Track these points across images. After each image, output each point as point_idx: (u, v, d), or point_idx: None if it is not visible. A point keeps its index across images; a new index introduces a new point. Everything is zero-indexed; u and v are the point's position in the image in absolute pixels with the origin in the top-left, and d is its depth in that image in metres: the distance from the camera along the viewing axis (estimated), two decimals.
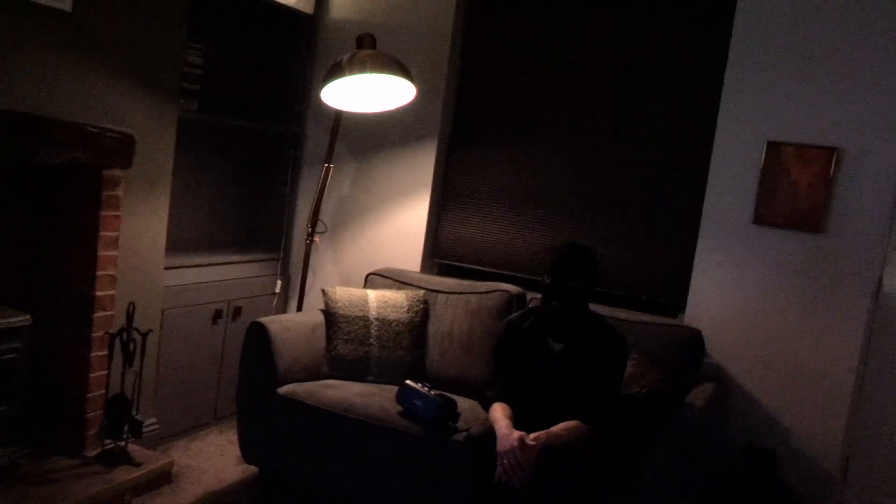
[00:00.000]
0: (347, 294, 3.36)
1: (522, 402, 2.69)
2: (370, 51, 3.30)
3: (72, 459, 2.94)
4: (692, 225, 3.37)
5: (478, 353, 3.28)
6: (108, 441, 3.00)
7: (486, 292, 3.42)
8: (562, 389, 2.68)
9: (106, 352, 2.98)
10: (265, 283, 4.04)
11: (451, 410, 2.81)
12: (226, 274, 3.78)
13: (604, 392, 2.66)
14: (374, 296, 3.38)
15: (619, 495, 2.48)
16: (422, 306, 3.41)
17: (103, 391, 3.02)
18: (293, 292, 4.08)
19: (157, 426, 3.39)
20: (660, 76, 3.48)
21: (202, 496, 3.11)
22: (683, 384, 2.91)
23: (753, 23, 3.23)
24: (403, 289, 3.51)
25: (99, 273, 2.95)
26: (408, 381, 2.92)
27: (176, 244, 3.45)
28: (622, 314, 3.17)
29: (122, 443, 3.01)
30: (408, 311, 3.36)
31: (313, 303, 3.71)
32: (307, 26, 4.08)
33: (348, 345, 3.25)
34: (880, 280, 3.07)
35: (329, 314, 3.31)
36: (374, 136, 3.96)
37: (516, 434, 2.47)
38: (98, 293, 2.96)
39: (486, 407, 2.75)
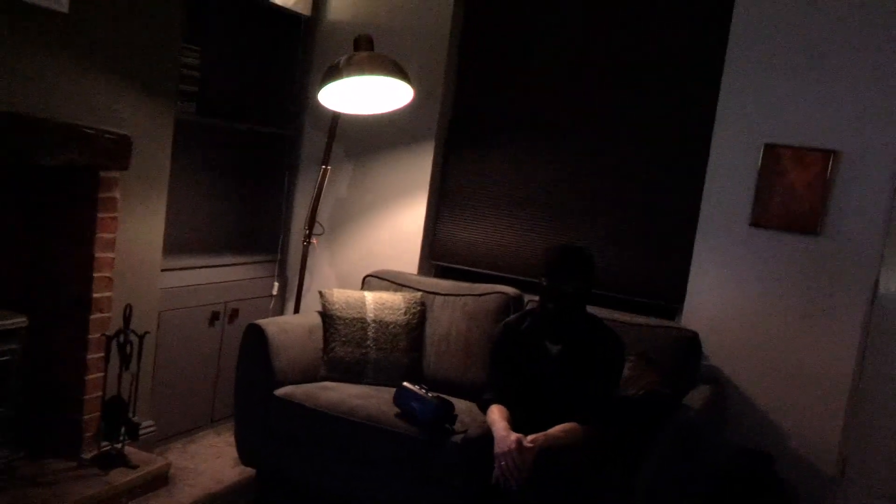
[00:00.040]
0: (345, 296, 3.35)
1: (520, 404, 2.69)
2: (367, 53, 3.30)
3: (68, 461, 2.94)
4: (689, 227, 3.37)
5: (475, 355, 3.28)
6: (104, 443, 3.00)
7: (483, 294, 3.41)
8: (559, 391, 2.68)
9: (103, 354, 2.97)
10: (262, 285, 4.04)
11: (449, 412, 2.81)
12: (223, 276, 3.77)
13: (601, 394, 2.66)
14: (371, 298, 3.38)
15: (618, 497, 2.48)
16: (419, 308, 3.41)
17: (100, 393, 3.01)
18: (290, 294, 4.07)
19: (153, 428, 3.39)
20: (657, 78, 3.48)
21: (199, 498, 3.11)
22: (681, 386, 2.91)
23: (751, 25, 3.23)
24: (401, 291, 3.51)
25: (96, 275, 2.94)
26: (405, 383, 2.91)
27: (173, 246, 3.45)
28: (619, 316, 3.17)
29: (119, 445, 3.01)
30: (405, 314, 3.36)
31: (310, 305, 3.71)
32: (305, 28, 4.08)
33: (345, 347, 3.24)
34: (877, 282, 3.08)
35: (326, 316, 3.31)
36: (372, 138, 3.96)
37: (514, 436, 2.47)
38: (95, 295, 2.95)
39: (484, 409, 2.75)
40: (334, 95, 3.39)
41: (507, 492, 2.45)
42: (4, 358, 2.75)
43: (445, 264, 3.97)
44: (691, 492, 2.55)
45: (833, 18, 3.10)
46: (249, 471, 3.25)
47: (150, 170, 3.17)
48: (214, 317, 3.69)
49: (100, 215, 2.92)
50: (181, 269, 3.53)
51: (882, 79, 3.03)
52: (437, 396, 2.83)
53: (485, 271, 3.82)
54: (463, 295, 3.44)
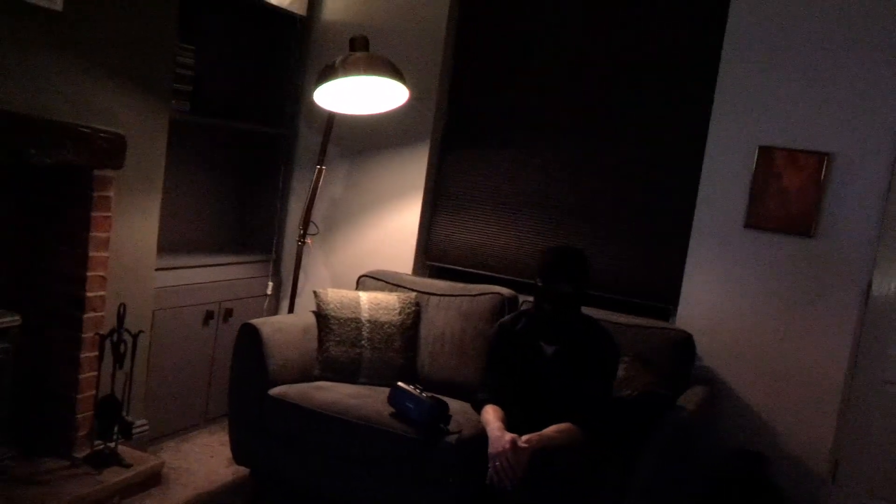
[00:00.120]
0: (339, 296, 3.35)
1: (515, 404, 2.70)
2: (363, 53, 3.30)
3: (62, 461, 2.93)
4: (684, 228, 3.38)
5: (470, 355, 3.28)
6: (98, 442, 3.00)
7: (478, 295, 3.42)
8: (554, 392, 2.68)
9: (96, 353, 2.97)
10: (257, 285, 4.03)
11: (443, 412, 2.81)
12: (217, 275, 3.76)
13: (596, 394, 2.66)
14: (366, 298, 3.38)
15: (613, 497, 2.49)
16: (414, 308, 3.41)
17: (93, 392, 3.00)
18: (285, 294, 4.07)
19: (147, 427, 3.38)
20: (651, 80, 3.49)
21: (193, 497, 3.10)
22: (675, 387, 2.92)
23: (746, 28, 3.25)
24: (395, 291, 3.51)
25: (90, 274, 2.94)
26: (399, 383, 2.91)
27: (167, 245, 3.44)
28: (614, 317, 3.18)
29: (113, 444, 3.00)
30: (400, 314, 3.36)
31: (305, 304, 3.71)
32: (300, 28, 4.07)
33: (340, 346, 3.24)
34: (870, 284, 3.09)
35: (321, 316, 3.30)
36: (367, 138, 3.96)
37: (508, 436, 2.48)
38: (89, 294, 2.95)
39: (478, 409, 2.76)
40: (329, 95, 3.39)
41: (501, 492, 2.45)
42: None
43: (440, 265, 3.97)
44: (686, 492, 2.55)
45: (828, 22, 3.12)
46: (243, 470, 3.25)
47: (145, 169, 3.16)
48: (209, 316, 3.69)
49: (94, 214, 2.91)
50: (175, 268, 3.52)
51: (875, 82, 3.05)
52: (432, 396, 2.83)
53: (479, 272, 3.82)
54: (458, 295, 3.45)
